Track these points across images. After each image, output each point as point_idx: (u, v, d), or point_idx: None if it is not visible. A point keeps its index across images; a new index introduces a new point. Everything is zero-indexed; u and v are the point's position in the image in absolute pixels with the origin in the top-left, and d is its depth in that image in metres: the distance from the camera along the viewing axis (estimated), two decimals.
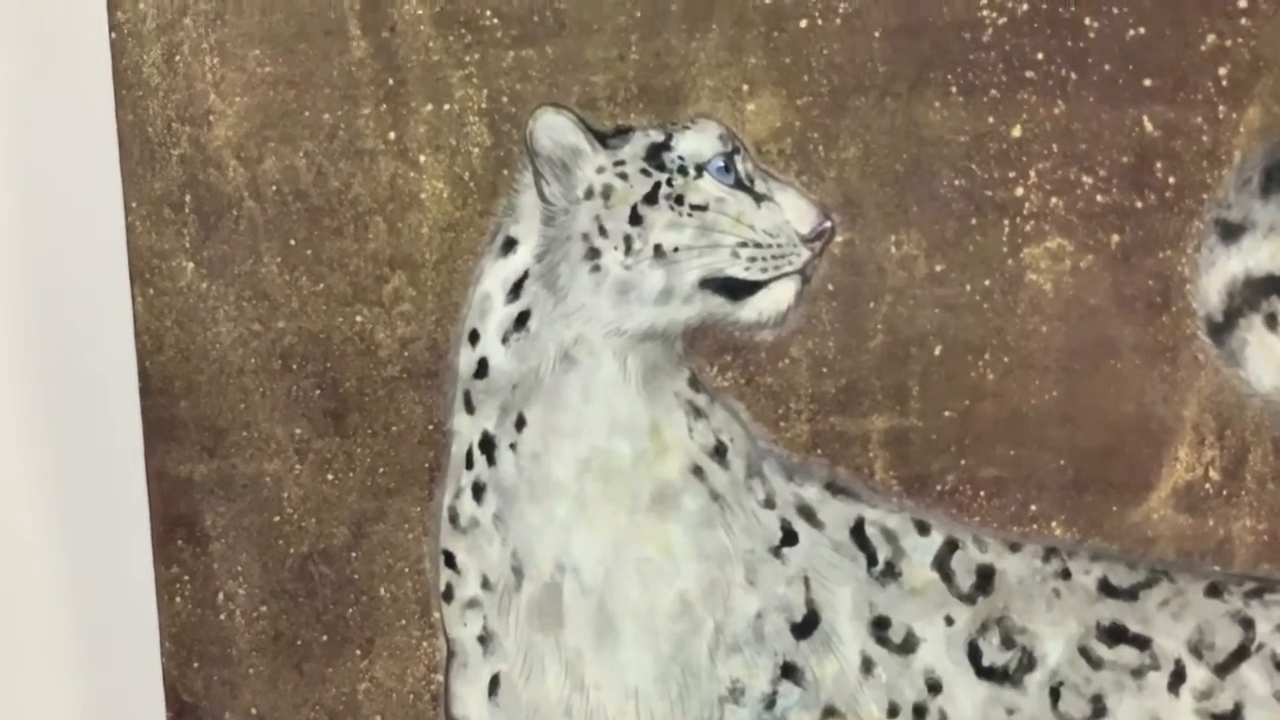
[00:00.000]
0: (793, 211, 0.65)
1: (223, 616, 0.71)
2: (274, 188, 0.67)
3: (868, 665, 0.68)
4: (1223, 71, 0.61)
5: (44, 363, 0.82)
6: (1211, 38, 0.61)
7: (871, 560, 0.69)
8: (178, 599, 0.71)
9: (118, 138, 0.67)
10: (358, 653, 0.71)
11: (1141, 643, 0.68)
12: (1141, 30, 0.61)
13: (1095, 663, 0.68)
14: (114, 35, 0.65)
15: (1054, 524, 0.68)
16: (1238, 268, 0.65)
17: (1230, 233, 0.65)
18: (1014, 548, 0.69)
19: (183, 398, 0.70)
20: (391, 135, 0.67)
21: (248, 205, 0.68)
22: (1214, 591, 0.67)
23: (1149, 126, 0.63)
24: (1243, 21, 0.61)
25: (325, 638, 0.71)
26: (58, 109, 0.77)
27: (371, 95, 0.66)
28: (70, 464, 0.83)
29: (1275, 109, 0.62)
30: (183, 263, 0.69)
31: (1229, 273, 0.65)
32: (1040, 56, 0.62)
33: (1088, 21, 0.62)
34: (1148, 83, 0.62)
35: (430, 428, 0.69)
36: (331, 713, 0.72)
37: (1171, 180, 0.64)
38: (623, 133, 0.66)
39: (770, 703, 0.69)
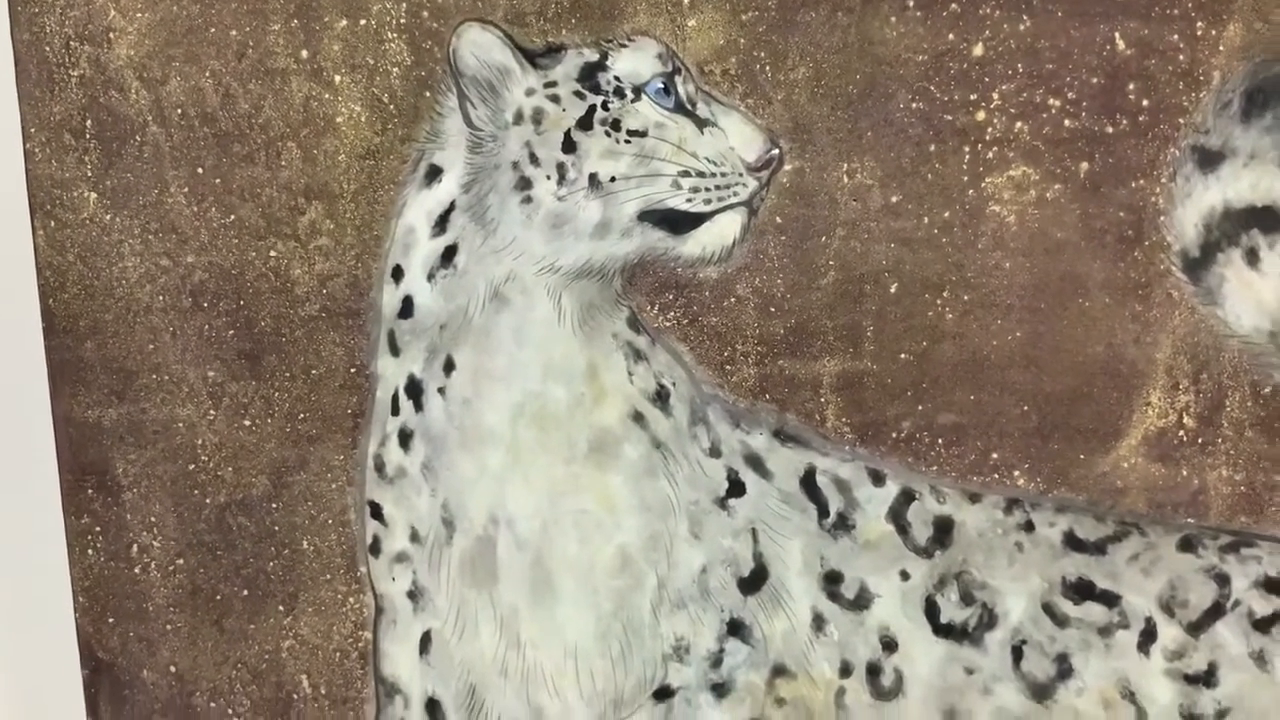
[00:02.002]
0: (738, 138, 0.63)
1: (138, 570, 0.69)
2: (179, 111, 0.64)
3: (819, 622, 0.67)
4: None
5: None
6: None
7: (823, 512, 0.67)
8: (90, 551, 0.69)
9: (13, 58, 0.65)
10: (281, 608, 0.69)
11: (1110, 599, 0.66)
12: None
13: (1060, 620, 0.66)
14: None
15: (1017, 474, 0.67)
16: (1216, 198, 0.63)
17: (1208, 160, 0.63)
18: (974, 499, 0.68)
19: (88, 338, 0.67)
20: (304, 54, 0.64)
21: (152, 130, 0.65)
22: (1187, 546, 0.66)
23: (1121, 44, 0.61)
24: None
25: (246, 592, 0.69)
26: None
27: (281, 10, 0.63)
28: None
29: (1258, 25, 0.61)
30: (85, 193, 0.66)
31: (1206, 204, 0.63)
32: None
33: None
34: None
35: (353, 371, 0.67)
36: (254, 671, 0.70)
37: (1145, 103, 0.62)
38: (554, 51, 0.63)
39: (716, 661, 0.68)
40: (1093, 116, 0.62)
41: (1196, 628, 0.67)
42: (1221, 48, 0.62)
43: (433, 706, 0.69)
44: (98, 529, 0.69)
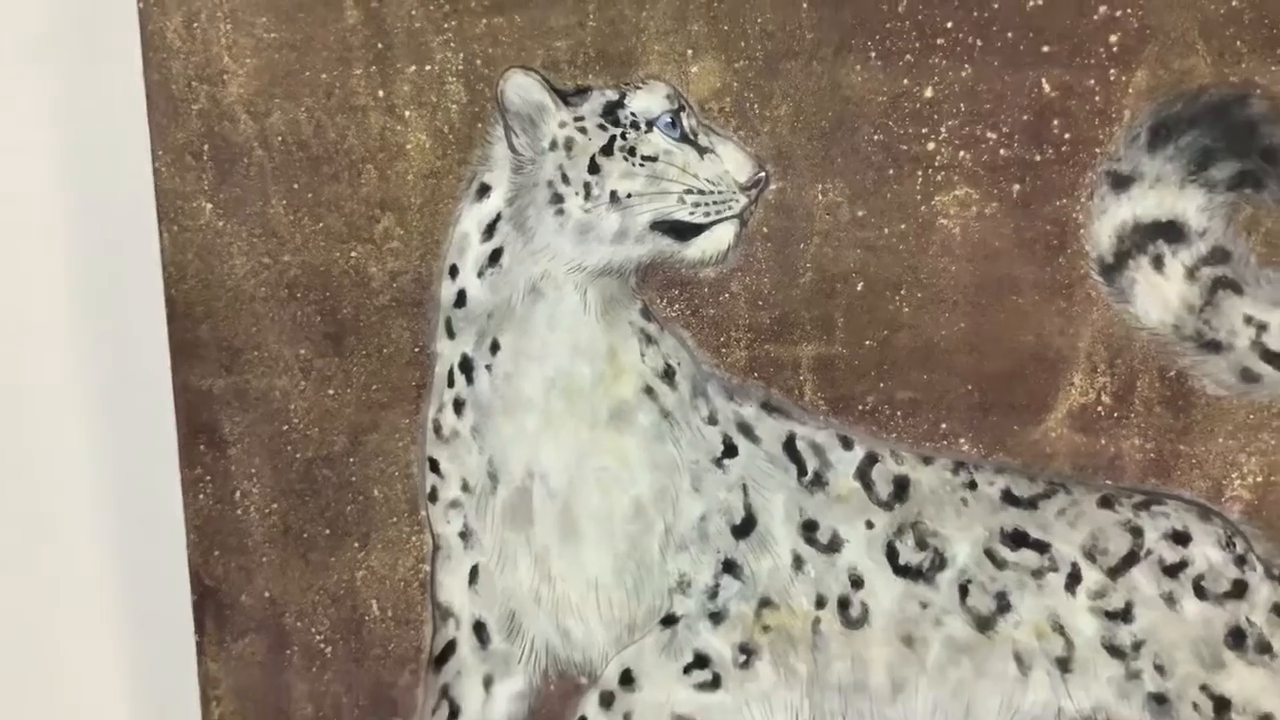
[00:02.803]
0: (732, 162, 0.69)
1: (239, 512, 0.77)
2: (279, 138, 0.71)
3: (798, 562, 0.74)
4: (1113, 39, 0.66)
5: (85, 294, 0.84)
6: (1103, 8, 0.65)
7: (801, 471, 0.74)
8: (200, 496, 0.76)
9: (145, 95, 0.71)
10: (355, 545, 0.76)
11: (1041, 547, 0.73)
12: (1040, 1, 0.65)
13: (999, 564, 0.73)
14: (141, 4, 0.69)
15: (962, 441, 0.72)
16: (1127, 214, 0.69)
17: (1120, 183, 0.68)
18: (927, 461, 0.73)
19: (203, 321, 0.74)
20: (380, 93, 0.70)
21: (257, 154, 0.72)
22: (1106, 503, 0.73)
23: (1047, 88, 0.67)
24: None
25: (327, 531, 0.76)
26: (94, 70, 0.79)
27: (363, 58, 0.70)
28: (108, 381, 0.85)
29: (1160, 73, 0.66)
30: (202, 204, 0.73)
31: (1119, 219, 0.69)
32: (949, 25, 0.66)
33: None
34: (1046, 49, 0.66)
35: (416, 350, 0.74)
36: (333, 596, 0.77)
37: (1067, 136, 0.68)
38: (582, 92, 0.70)
39: (713, 594, 0.74)
40: (1023, 147, 0.68)
41: (1115, 572, 0.73)
42: (1131, 91, 0.67)
43: (479, 628, 0.77)
44: (207, 478, 0.76)
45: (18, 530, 0.88)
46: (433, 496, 0.76)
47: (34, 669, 0.90)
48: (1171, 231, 0.69)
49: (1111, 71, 0.67)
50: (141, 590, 0.88)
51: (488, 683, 0.77)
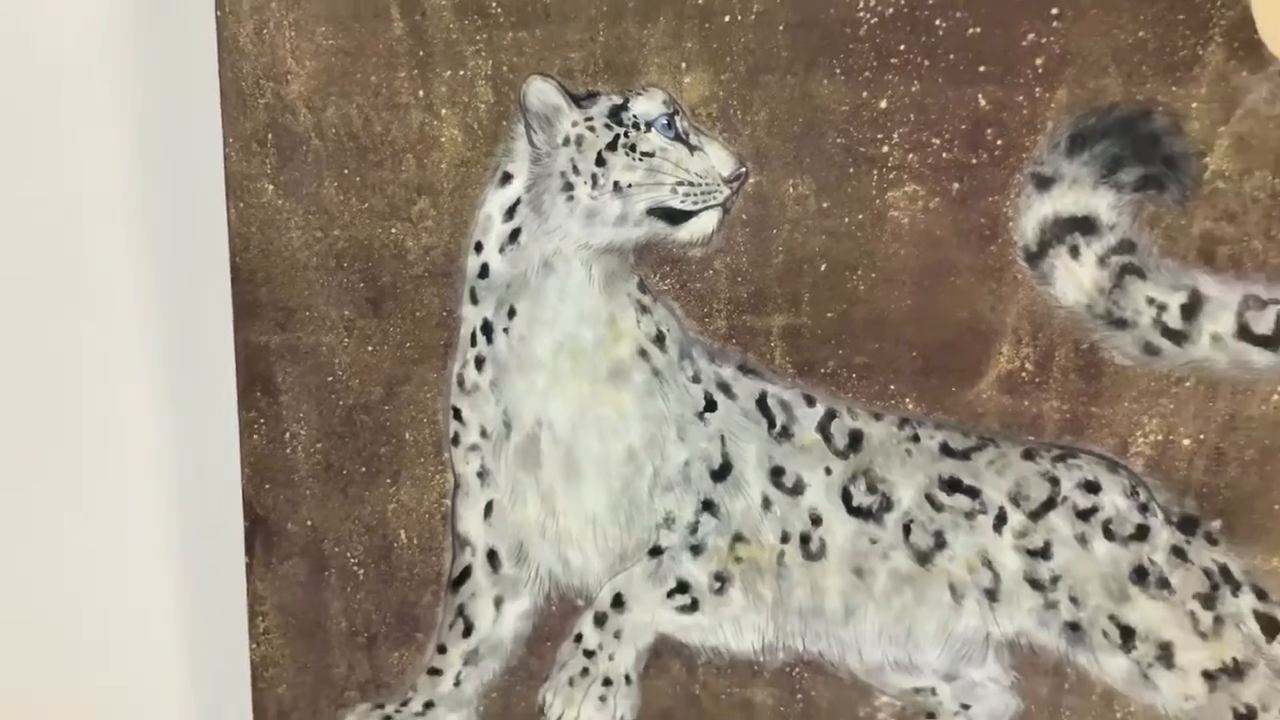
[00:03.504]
0: (717, 159, 0.73)
1: (288, 451, 0.80)
2: (333, 130, 0.75)
3: (767, 503, 0.78)
4: (1039, 61, 0.70)
5: (163, 259, 0.87)
6: (1030, 36, 0.69)
7: (771, 424, 0.77)
8: (255, 436, 0.80)
9: (220, 90, 0.75)
10: (388, 481, 0.80)
11: (973, 493, 0.77)
12: (978, 29, 0.70)
13: (937, 506, 0.77)
14: (219, 14, 0.74)
15: (907, 400, 0.76)
16: (1049, 210, 0.73)
17: (1043, 183, 0.72)
18: (877, 417, 0.77)
19: (262, 286, 0.78)
20: (420, 93, 0.74)
21: (314, 143, 0.76)
22: (1029, 455, 0.76)
23: (983, 102, 0.71)
24: (1054, 24, 0.69)
25: (364, 469, 0.80)
26: (178, 69, 0.83)
27: (406, 63, 0.74)
28: (180, 335, 0.88)
29: (1078, 91, 0.70)
30: (265, 184, 0.76)
31: (1042, 214, 0.73)
32: (902, 48, 0.70)
33: (937, 22, 0.70)
34: (982, 69, 0.70)
35: (445, 314, 0.77)
36: (367, 526, 0.81)
37: (999, 143, 0.72)
38: (592, 96, 0.74)
39: (694, 529, 0.79)
40: (962, 151, 0.72)
41: (1036, 515, 0.77)
42: (1053, 106, 0.71)
43: (492, 556, 0.81)
44: (261, 421, 0.80)
45: (97, 464, 0.90)
46: (455, 441, 0.79)
47: (100, 586, 0.92)
48: (1086, 225, 0.73)
49: (1037, 89, 0.70)
50: (201, 517, 0.90)
51: (498, 603, 0.81)
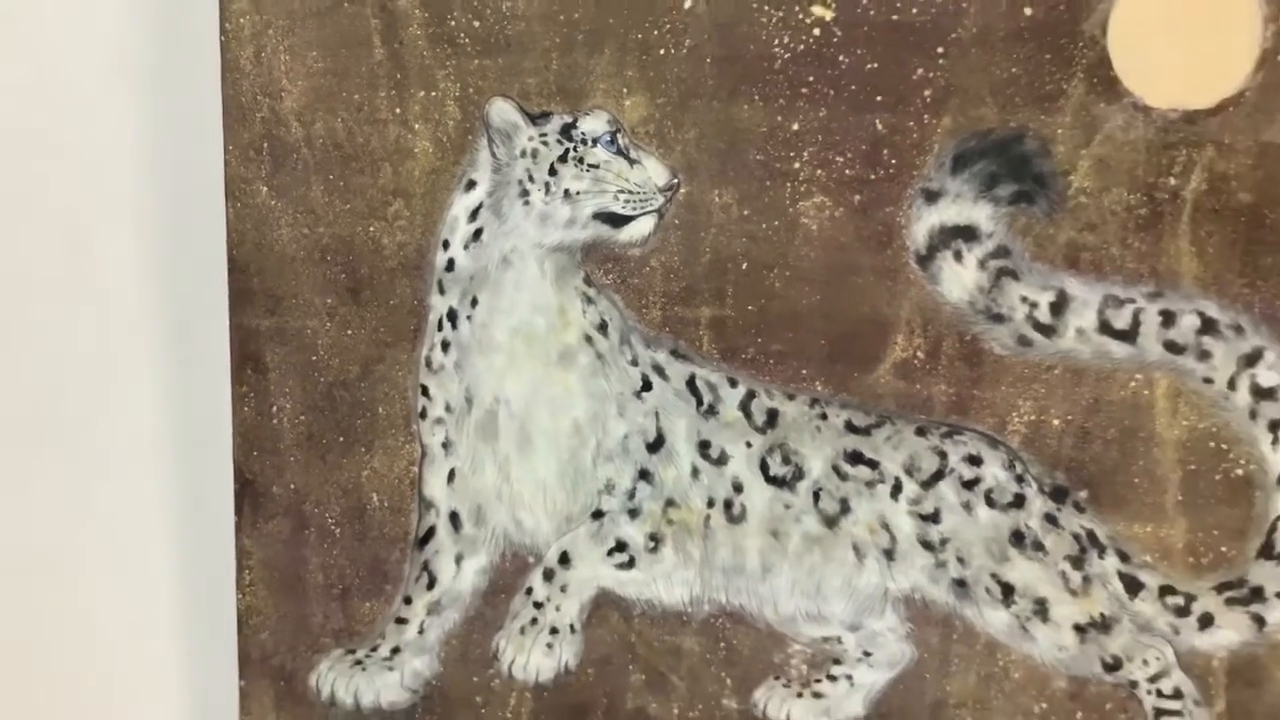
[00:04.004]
0: (653, 171, 0.76)
1: (274, 422, 0.82)
2: (320, 141, 0.78)
3: (695, 472, 0.81)
4: (927, 93, 0.74)
5: (168, 252, 0.89)
6: (920, 71, 0.74)
7: (699, 403, 0.80)
8: (245, 408, 0.82)
9: (222, 104, 0.77)
10: (362, 450, 0.82)
11: (873, 464, 0.80)
12: (876, 65, 0.74)
13: (843, 476, 0.80)
14: (223, 39, 0.76)
15: (817, 383, 0.79)
16: (936, 220, 0.76)
17: (931, 197, 0.76)
18: (791, 397, 0.79)
19: (255, 276, 0.80)
20: (397, 110, 0.77)
21: (303, 152, 0.78)
22: (921, 432, 0.79)
23: (880, 127, 0.75)
24: (940, 61, 0.73)
25: (341, 439, 0.82)
26: (186, 86, 0.85)
27: (385, 84, 0.77)
28: (181, 318, 0.90)
29: (960, 118, 0.74)
30: (259, 186, 0.79)
31: (930, 223, 0.77)
32: (811, 79, 0.74)
33: (841, 59, 0.74)
34: (879, 98, 0.74)
35: (415, 303, 0.79)
36: (344, 489, 0.83)
37: (894, 162, 0.75)
38: (545, 115, 0.76)
39: (631, 495, 0.81)
40: (863, 168, 0.75)
41: (927, 485, 0.80)
42: (939, 130, 0.75)
43: (454, 517, 0.83)
44: (251, 394, 0.82)
45: (105, 432, 0.92)
46: (423, 414, 0.81)
47: (103, 542, 0.94)
48: (968, 233, 0.76)
49: (925, 116, 0.74)
50: (197, 480, 0.92)
51: (459, 559, 0.83)
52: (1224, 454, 0.79)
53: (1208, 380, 0.79)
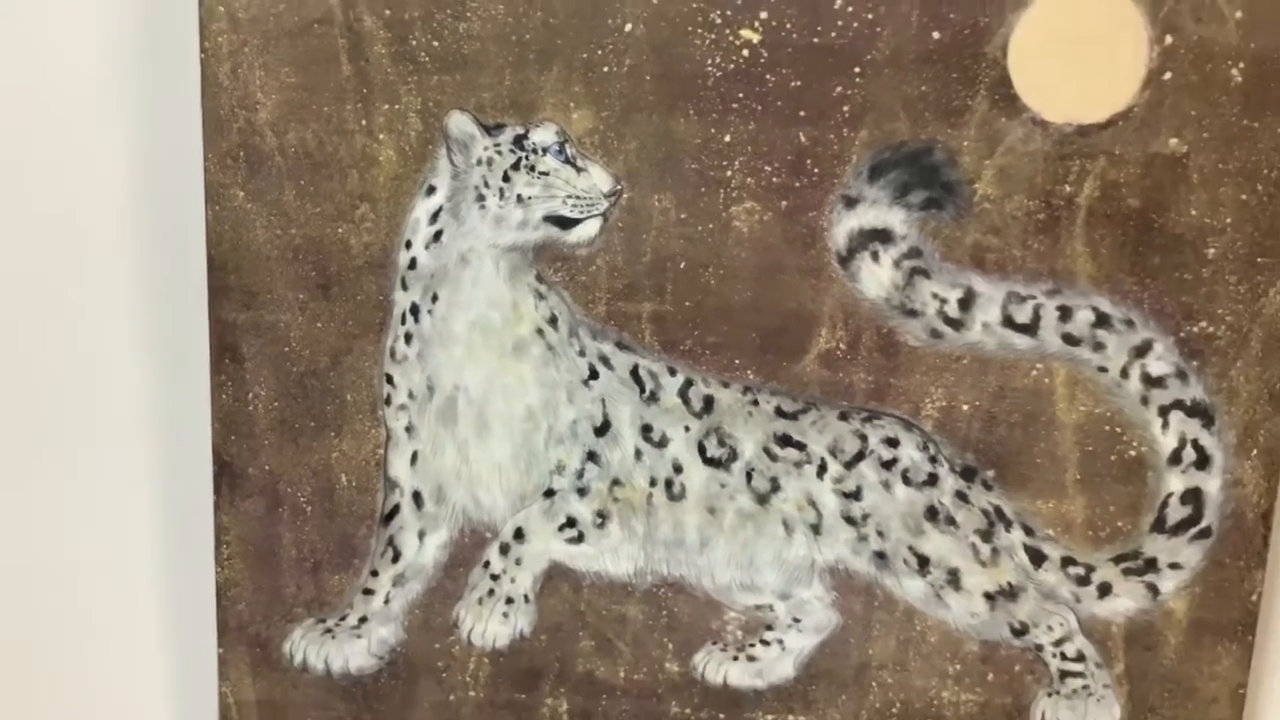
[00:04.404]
0: (598, 178, 0.79)
1: (250, 407, 0.84)
2: (293, 149, 0.80)
3: (639, 454, 0.84)
4: (845, 108, 0.78)
5: (151, 252, 0.90)
6: (839, 89, 0.78)
7: (642, 390, 0.83)
8: (223, 395, 0.84)
9: (202, 116, 0.79)
10: (332, 434, 0.85)
11: (800, 446, 0.84)
12: (799, 83, 0.78)
13: (773, 457, 0.84)
14: (203, 56, 0.78)
15: (749, 372, 0.83)
16: (855, 224, 0.80)
17: (850, 203, 0.80)
18: (725, 385, 0.83)
19: (233, 273, 0.82)
20: (363, 122, 0.79)
21: (277, 159, 0.80)
22: (843, 417, 0.83)
23: (803, 139, 0.79)
24: (857, 80, 0.77)
25: (312, 424, 0.85)
26: (168, 99, 0.87)
27: (353, 98, 0.79)
28: (163, 312, 0.91)
29: (876, 131, 0.78)
30: (236, 191, 0.81)
31: (849, 226, 0.80)
32: (741, 95, 0.78)
33: (768, 77, 0.77)
34: (802, 113, 0.78)
35: (380, 298, 0.82)
36: (315, 470, 0.85)
37: (816, 171, 0.79)
38: (500, 127, 0.79)
39: (580, 475, 0.85)
40: (789, 177, 0.79)
41: (849, 465, 0.84)
42: (857, 142, 0.78)
43: (417, 496, 0.85)
44: (229, 382, 0.84)
45: (92, 418, 0.93)
46: (387, 401, 0.84)
47: (88, 521, 0.95)
48: (884, 236, 0.80)
49: (845, 130, 0.78)
50: (178, 462, 0.94)
51: (421, 535, 0.86)
52: (1118, 436, 0.85)
53: (1102, 369, 0.84)
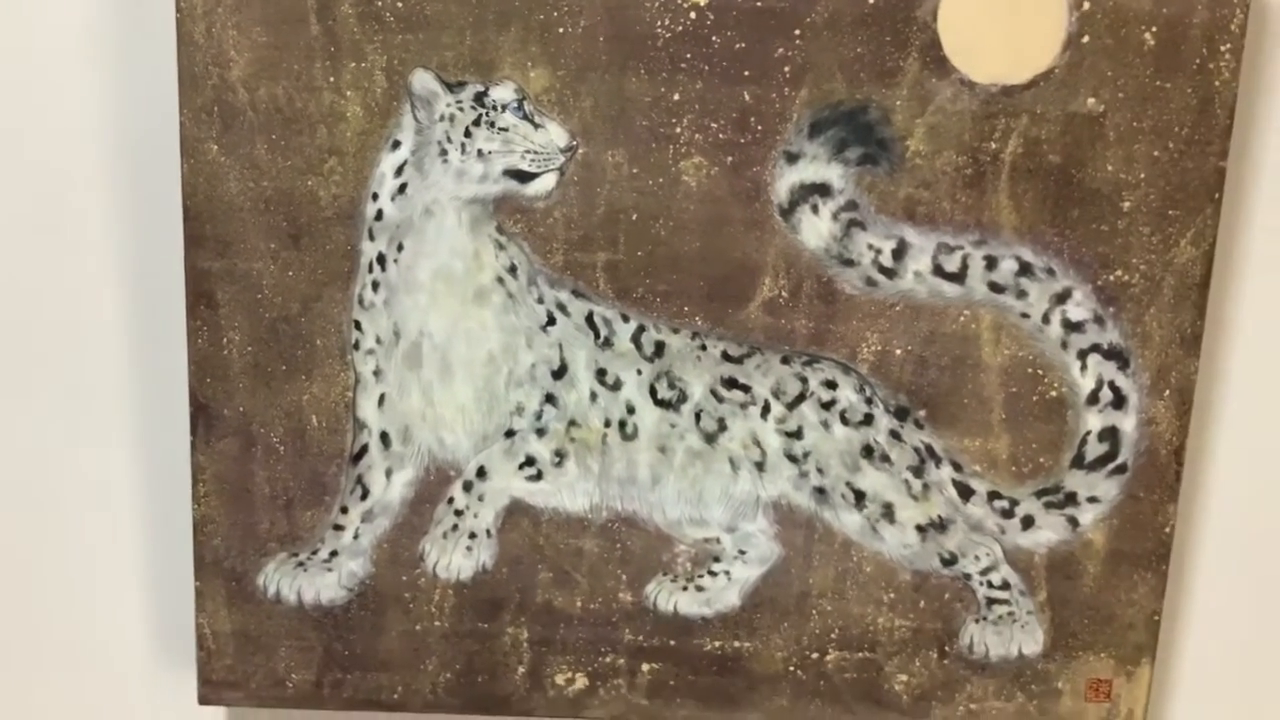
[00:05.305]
0: (555, 134, 0.82)
1: (225, 352, 0.87)
2: (264, 105, 0.82)
3: (594, 396, 0.88)
4: (787, 69, 0.82)
5: (130, 202, 0.91)
6: (780, 50, 0.81)
7: (597, 336, 0.87)
8: (199, 340, 0.86)
9: (177, 73, 0.82)
10: (303, 378, 0.87)
11: (745, 389, 0.88)
12: (743, 44, 0.81)
13: (720, 399, 0.88)
14: (178, 16, 0.80)
15: (698, 319, 0.87)
16: (795, 178, 0.84)
17: (791, 159, 0.84)
18: (675, 331, 0.87)
19: (207, 223, 0.84)
20: (331, 79, 0.82)
21: (249, 115, 0.83)
22: (785, 361, 0.87)
23: (747, 98, 0.82)
24: (797, 42, 0.81)
25: (284, 368, 0.87)
26: (146, 57, 0.88)
27: (321, 56, 0.82)
28: (142, 260, 0.93)
29: (815, 91, 0.82)
30: (210, 145, 0.83)
31: (791, 181, 0.84)
32: (689, 56, 0.81)
33: (714, 39, 0.81)
34: (746, 73, 0.82)
35: (349, 248, 0.85)
36: (286, 411, 0.88)
37: (760, 128, 0.83)
38: (461, 84, 0.82)
39: (539, 416, 0.88)
40: (734, 133, 0.83)
41: (791, 406, 0.88)
42: (798, 101, 0.82)
43: (384, 436, 0.88)
44: (205, 328, 0.86)
45: (75, 362, 0.95)
46: (356, 346, 0.86)
47: (70, 461, 0.97)
48: (822, 190, 0.84)
49: (786, 89, 0.82)
50: (157, 403, 0.96)
51: (389, 473, 0.89)
52: (1040, 378, 0.90)
53: (1025, 315, 0.89)
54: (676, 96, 0.83)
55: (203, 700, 0.93)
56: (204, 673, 0.92)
